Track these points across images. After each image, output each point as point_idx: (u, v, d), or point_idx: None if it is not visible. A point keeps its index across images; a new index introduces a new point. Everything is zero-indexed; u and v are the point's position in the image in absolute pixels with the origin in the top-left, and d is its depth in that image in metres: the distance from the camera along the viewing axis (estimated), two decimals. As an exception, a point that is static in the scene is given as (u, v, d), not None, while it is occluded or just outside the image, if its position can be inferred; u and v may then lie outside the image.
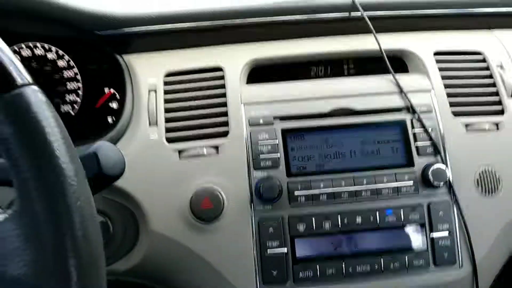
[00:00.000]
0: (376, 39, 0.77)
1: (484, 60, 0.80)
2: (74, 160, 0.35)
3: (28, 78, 0.35)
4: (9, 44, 0.37)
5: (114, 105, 0.80)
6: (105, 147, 0.44)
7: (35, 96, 0.34)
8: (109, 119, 0.79)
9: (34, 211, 0.33)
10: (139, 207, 0.68)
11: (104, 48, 0.78)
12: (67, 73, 0.79)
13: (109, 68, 0.79)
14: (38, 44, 0.78)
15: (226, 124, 0.71)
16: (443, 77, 0.77)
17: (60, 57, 0.79)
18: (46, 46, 0.79)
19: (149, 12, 0.77)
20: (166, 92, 0.74)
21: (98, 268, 0.35)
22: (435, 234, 0.69)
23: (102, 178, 0.43)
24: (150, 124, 0.71)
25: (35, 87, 0.35)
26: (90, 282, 0.34)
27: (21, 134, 0.33)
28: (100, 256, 0.35)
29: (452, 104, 0.75)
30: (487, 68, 0.79)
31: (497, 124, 0.75)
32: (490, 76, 0.79)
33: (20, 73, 0.34)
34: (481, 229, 0.70)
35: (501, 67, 0.80)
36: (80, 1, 0.74)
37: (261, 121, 0.71)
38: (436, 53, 0.79)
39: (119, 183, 0.65)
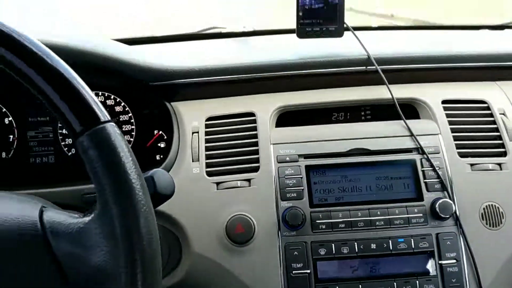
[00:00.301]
0: (389, 90, 0.88)
1: (488, 108, 0.90)
2: (140, 178, 0.46)
3: (108, 116, 0.47)
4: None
5: (162, 144, 0.93)
6: (159, 172, 0.55)
7: (114, 130, 0.46)
8: (157, 157, 0.92)
9: (110, 214, 0.44)
10: (182, 231, 0.79)
11: (155, 96, 0.92)
12: (123, 117, 0.93)
13: (159, 113, 0.92)
14: (100, 92, 0.93)
15: (257, 161, 0.83)
16: (450, 123, 0.87)
17: (118, 103, 0.93)
18: (106, 94, 0.93)
19: (193, 66, 0.91)
20: (207, 134, 0.86)
21: (157, 261, 0.46)
22: (443, 262, 0.77)
23: (157, 196, 0.54)
24: (193, 160, 0.84)
25: (113, 123, 0.47)
26: (151, 271, 0.45)
27: (104, 157, 0.45)
28: (158, 252, 0.46)
29: (458, 146, 0.84)
30: (491, 115, 0.89)
31: (500, 165, 0.84)
32: (494, 122, 0.88)
33: (103, 112, 0.47)
34: (487, 258, 0.78)
35: (504, 114, 0.89)
36: (137, 56, 0.89)
37: (287, 159, 0.82)
38: (444, 101, 0.90)
39: (167, 209, 0.77)
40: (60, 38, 0.82)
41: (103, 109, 0.46)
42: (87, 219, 0.46)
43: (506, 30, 1.31)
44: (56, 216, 0.48)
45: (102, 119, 0.45)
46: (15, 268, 0.45)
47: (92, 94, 0.46)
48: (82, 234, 0.45)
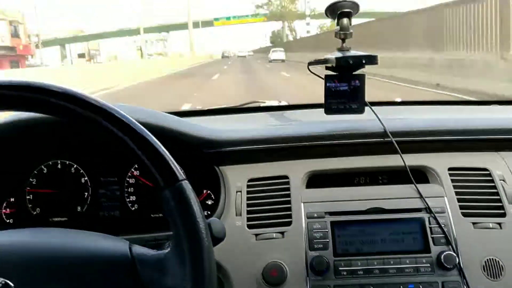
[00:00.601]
0: (402, 159, 1.04)
1: (489, 175, 1.04)
2: (205, 224, 0.64)
3: (183, 175, 0.65)
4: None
5: (209, 202, 1.11)
6: (215, 221, 0.72)
7: (188, 187, 0.64)
8: (205, 212, 1.10)
9: (183, 248, 0.61)
10: (226, 274, 0.95)
11: (206, 161, 1.11)
12: None
13: (208, 175, 1.11)
14: None
15: (290, 216, 0.99)
16: (455, 187, 1.01)
17: None
18: None
19: (240, 136, 1.10)
20: (248, 193, 1.04)
21: (213, 283, 0.62)
22: None
23: (213, 239, 0.70)
24: (236, 215, 1.01)
25: (187, 181, 0.64)
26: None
27: (181, 207, 0.62)
28: (215, 277, 0.63)
29: (462, 207, 0.99)
30: (492, 181, 1.03)
31: (499, 224, 0.97)
32: (494, 187, 1.02)
33: (179, 172, 0.64)
34: None
35: (504, 180, 1.03)
36: (194, 128, 1.09)
37: (315, 215, 0.98)
38: (450, 169, 1.05)
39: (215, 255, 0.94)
40: (137, 113, 1.03)
41: (180, 169, 0.63)
42: (165, 251, 0.64)
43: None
44: (141, 250, 0.66)
45: (180, 178, 0.62)
46: None
47: (171, 158, 0.63)
48: (162, 263, 0.63)
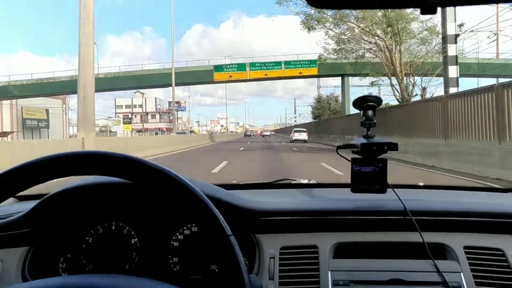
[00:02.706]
0: (421, 236, 1.15)
1: (503, 255, 1.13)
2: (247, 276, 0.76)
3: (230, 231, 0.78)
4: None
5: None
6: (254, 277, 0.83)
7: (234, 242, 0.77)
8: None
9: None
10: None
11: (243, 229, 1.24)
12: None
13: (244, 242, 1.24)
14: None
15: (318, 283, 1.10)
16: (471, 264, 1.11)
17: None
18: None
19: (274, 208, 1.24)
20: (280, 259, 1.16)
21: None
22: None
23: None
24: (269, 278, 1.12)
25: (233, 237, 0.78)
26: None
27: (231, 259, 0.75)
28: None
29: (477, 283, 1.08)
30: (505, 261, 1.12)
31: (513, 301, 1.05)
32: (508, 267, 1.11)
33: (227, 228, 0.78)
34: None
35: (516, 261, 1.13)
36: (240, 201, 1.24)
37: (341, 283, 1.09)
38: (466, 247, 1.15)
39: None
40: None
41: (226, 224, 0.77)
42: None
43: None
44: None
45: (228, 232, 0.77)
46: None
47: (219, 213, 0.78)
48: None
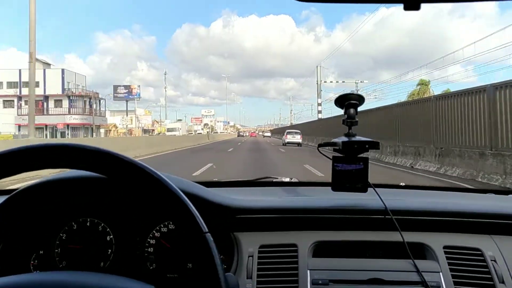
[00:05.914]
0: (401, 235, 1.14)
1: (482, 255, 1.13)
2: (223, 274, 0.74)
3: (206, 228, 0.75)
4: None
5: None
6: (230, 275, 0.81)
7: (210, 239, 0.75)
8: (218, 275, 1.19)
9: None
10: None
11: (221, 227, 1.22)
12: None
13: (222, 241, 1.21)
14: None
15: (297, 282, 1.08)
16: (449, 264, 1.10)
17: None
18: None
19: (253, 206, 1.22)
20: (259, 258, 1.14)
21: None
22: None
23: None
24: (247, 277, 1.10)
25: (209, 234, 0.76)
26: None
27: (207, 257, 0.73)
28: None
29: (456, 283, 1.07)
30: (484, 261, 1.12)
31: (491, 299, 1.05)
32: (486, 267, 1.10)
33: (203, 225, 0.76)
34: None
35: (495, 261, 1.12)
36: (219, 198, 1.22)
37: (320, 282, 1.07)
38: (445, 247, 1.14)
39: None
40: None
41: (203, 222, 0.75)
42: None
43: (510, 196, 1.57)
44: None
45: (204, 230, 0.74)
46: None
47: (196, 212, 0.75)
48: None
